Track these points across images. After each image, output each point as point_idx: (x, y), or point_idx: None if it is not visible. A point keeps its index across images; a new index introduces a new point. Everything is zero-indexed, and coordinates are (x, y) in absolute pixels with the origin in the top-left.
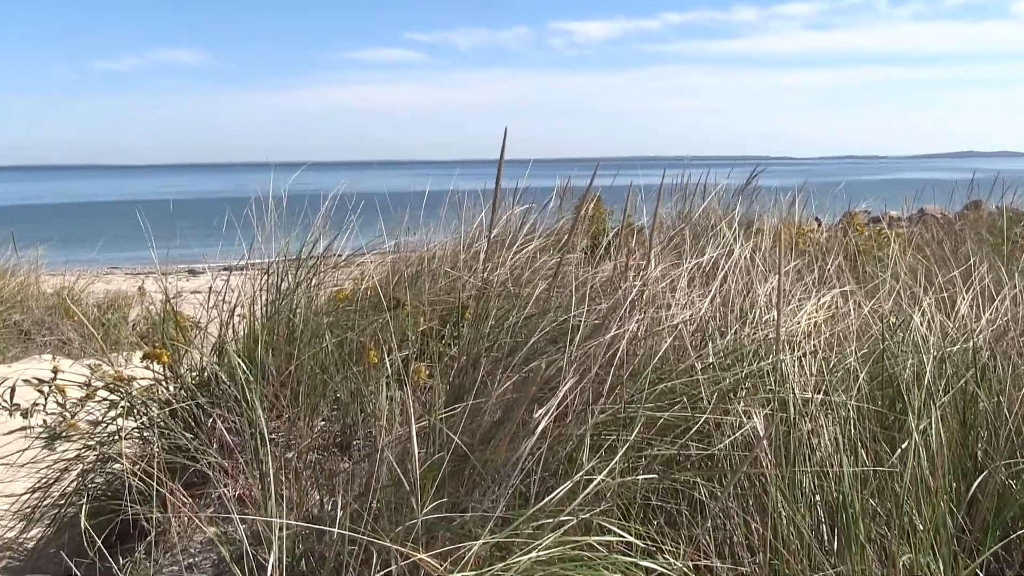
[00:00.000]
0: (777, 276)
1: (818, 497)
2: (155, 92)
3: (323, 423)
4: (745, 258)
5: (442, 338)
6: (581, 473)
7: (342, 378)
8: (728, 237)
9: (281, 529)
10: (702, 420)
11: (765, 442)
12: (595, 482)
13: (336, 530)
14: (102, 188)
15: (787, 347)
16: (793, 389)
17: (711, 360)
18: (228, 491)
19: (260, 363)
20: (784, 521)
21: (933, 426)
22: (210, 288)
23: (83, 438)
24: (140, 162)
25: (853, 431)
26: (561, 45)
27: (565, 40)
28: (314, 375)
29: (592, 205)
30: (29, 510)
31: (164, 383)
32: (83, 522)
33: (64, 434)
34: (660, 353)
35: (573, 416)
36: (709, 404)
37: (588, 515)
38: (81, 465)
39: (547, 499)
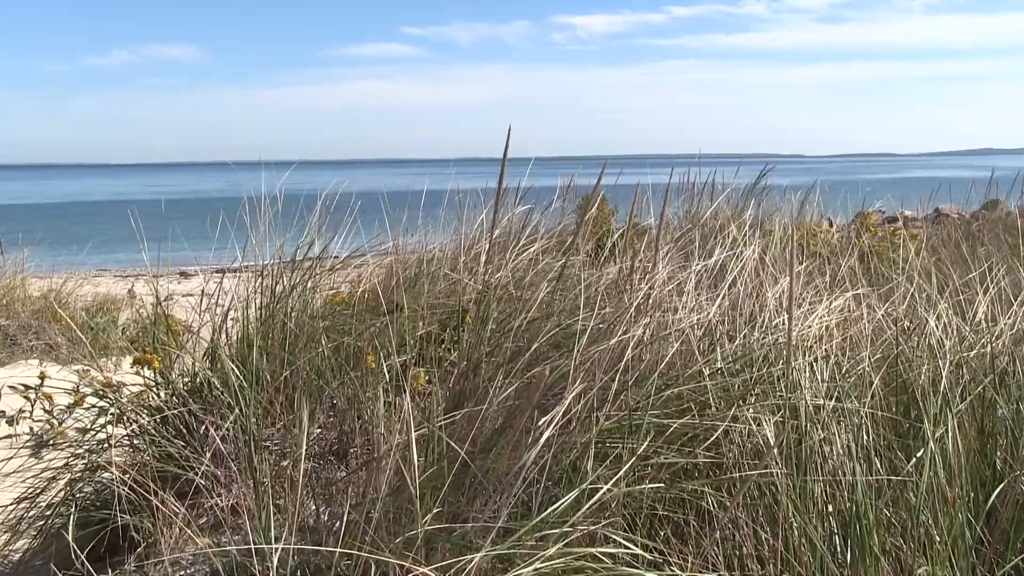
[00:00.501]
0: (788, 279)
1: (830, 507)
2: (147, 89)
3: (319, 430)
4: (755, 260)
5: (441, 342)
6: (586, 483)
7: (339, 384)
8: (737, 238)
9: (275, 541)
10: (718, 431)
11: (775, 450)
12: (600, 492)
13: (337, 550)
14: (92, 187)
15: (798, 352)
16: (804, 395)
17: (719, 365)
18: (221, 501)
19: (254, 368)
20: (795, 532)
21: (950, 434)
22: (202, 291)
23: (71, 446)
24: (131, 160)
25: (866, 439)
26: (563, 40)
27: (567, 35)
28: (310, 381)
29: (597, 205)
30: (15, 521)
31: (155, 389)
32: (71, 533)
33: (51, 442)
34: (667, 358)
35: (577, 423)
36: (718, 411)
37: (593, 526)
38: (69, 474)
39: (551, 509)
